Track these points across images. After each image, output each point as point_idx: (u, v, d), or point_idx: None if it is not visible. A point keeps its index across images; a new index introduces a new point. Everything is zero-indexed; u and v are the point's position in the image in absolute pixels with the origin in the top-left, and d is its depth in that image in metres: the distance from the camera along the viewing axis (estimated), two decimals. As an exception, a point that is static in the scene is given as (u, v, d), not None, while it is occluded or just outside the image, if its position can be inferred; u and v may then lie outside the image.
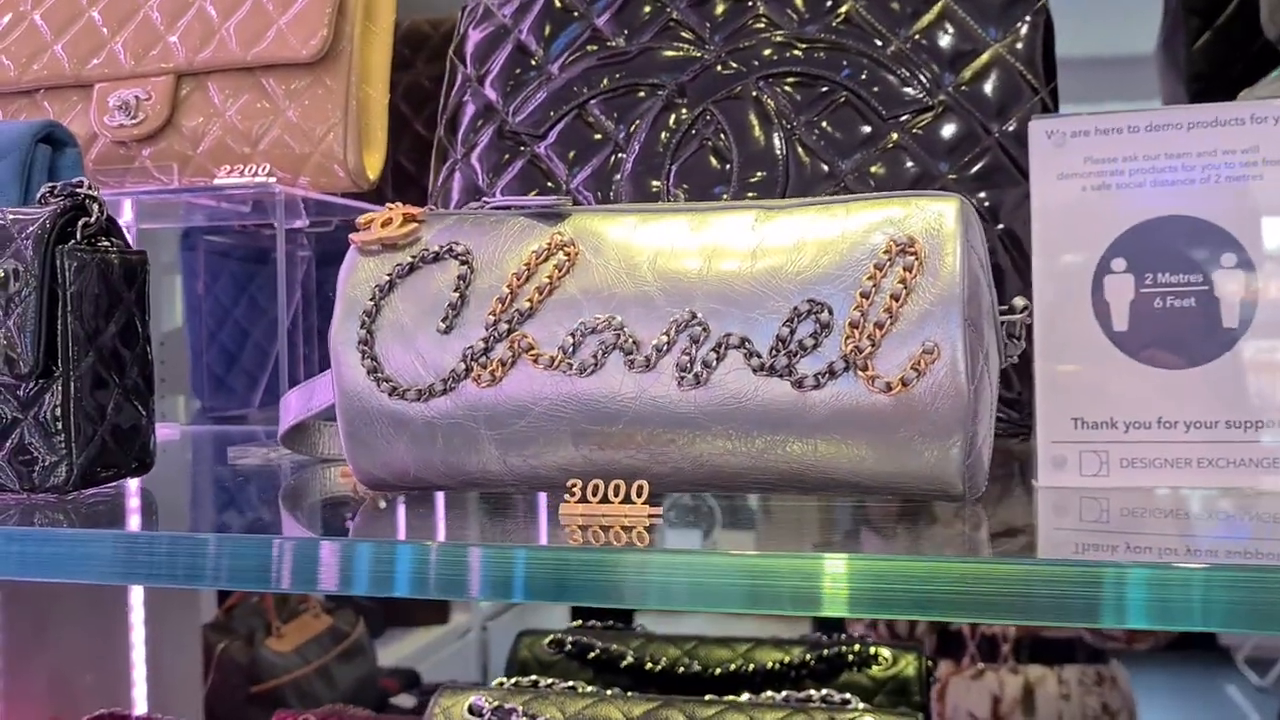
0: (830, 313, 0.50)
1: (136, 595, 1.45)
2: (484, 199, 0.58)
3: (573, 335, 0.52)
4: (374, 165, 0.82)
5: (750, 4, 0.72)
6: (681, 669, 1.00)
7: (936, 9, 0.69)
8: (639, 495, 0.51)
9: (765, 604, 0.45)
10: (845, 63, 0.69)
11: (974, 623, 1.65)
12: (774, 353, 0.50)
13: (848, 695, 0.87)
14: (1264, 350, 0.55)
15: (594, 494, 0.51)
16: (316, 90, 0.79)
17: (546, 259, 0.54)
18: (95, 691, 1.32)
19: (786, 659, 0.99)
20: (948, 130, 0.67)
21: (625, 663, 1.01)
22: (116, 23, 0.84)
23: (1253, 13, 0.92)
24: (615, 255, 0.53)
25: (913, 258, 0.50)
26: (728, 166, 0.68)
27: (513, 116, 0.74)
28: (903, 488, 0.51)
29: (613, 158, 0.71)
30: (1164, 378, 0.57)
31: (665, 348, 0.51)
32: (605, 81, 0.73)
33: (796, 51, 0.70)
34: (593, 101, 0.73)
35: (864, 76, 0.68)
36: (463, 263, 0.54)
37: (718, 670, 1.00)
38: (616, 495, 0.51)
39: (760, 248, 0.52)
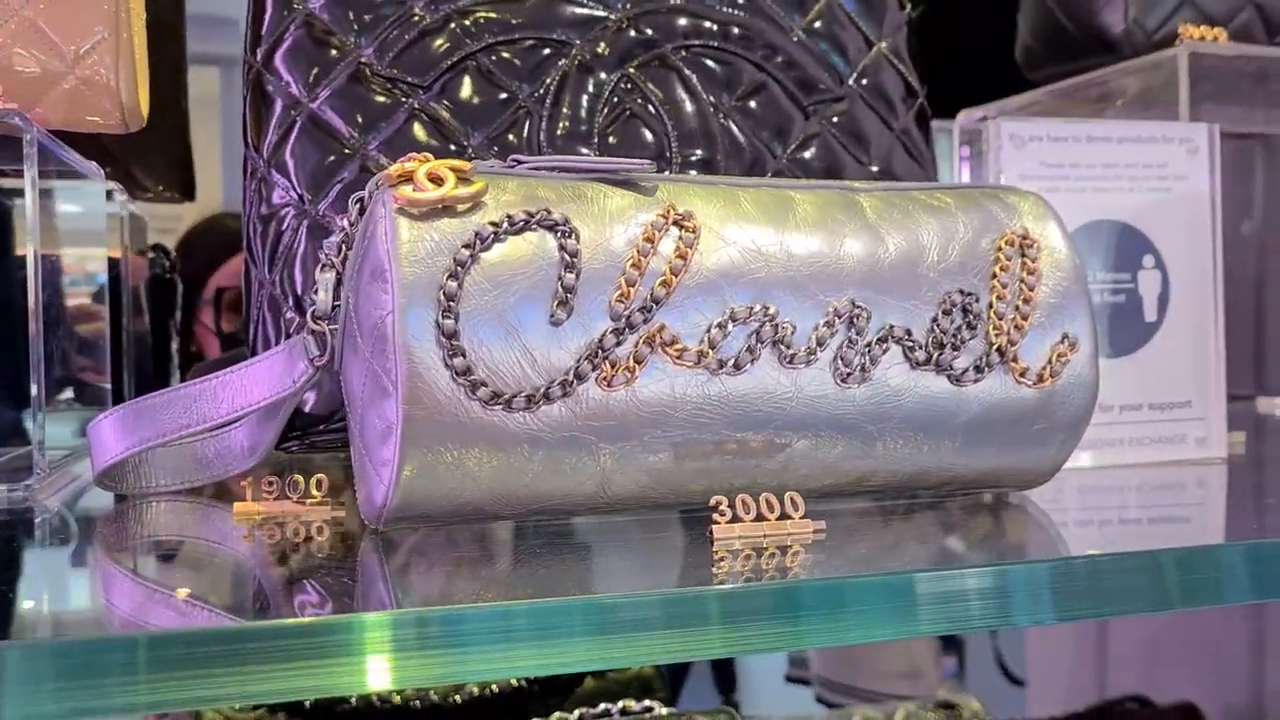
0: (978, 301, 0.48)
1: None
2: (512, 158, 0.47)
3: (721, 326, 0.44)
4: (145, 99, 0.61)
5: (645, -34, 0.66)
6: (418, 703, 0.89)
7: (823, 2, 0.69)
8: (795, 509, 0.45)
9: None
10: (759, 43, 0.66)
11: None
12: (936, 345, 0.46)
13: (649, 703, 0.83)
14: (1175, 342, 0.64)
15: (746, 511, 0.44)
16: (71, -12, 0.57)
17: (664, 234, 0.45)
18: None
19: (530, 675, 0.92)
20: (857, 123, 0.67)
21: (347, 707, 0.87)
22: None
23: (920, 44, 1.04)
24: (738, 232, 0.46)
25: (1033, 248, 0.49)
26: (661, 139, 0.62)
27: (377, 58, 0.60)
28: (1007, 482, 0.51)
29: (521, 120, 0.61)
30: (1101, 366, 0.62)
31: (826, 340, 0.45)
32: (493, 29, 0.62)
33: (712, 25, 0.65)
34: (482, 53, 0.61)
35: (779, 59, 0.66)
36: (565, 234, 0.43)
37: (458, 698, 0.90)
38: (772, 511, 0.44)
39: (889, 233, 0.48)
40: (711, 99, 0.64)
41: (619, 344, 0.43)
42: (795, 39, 0.67)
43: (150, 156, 0.93)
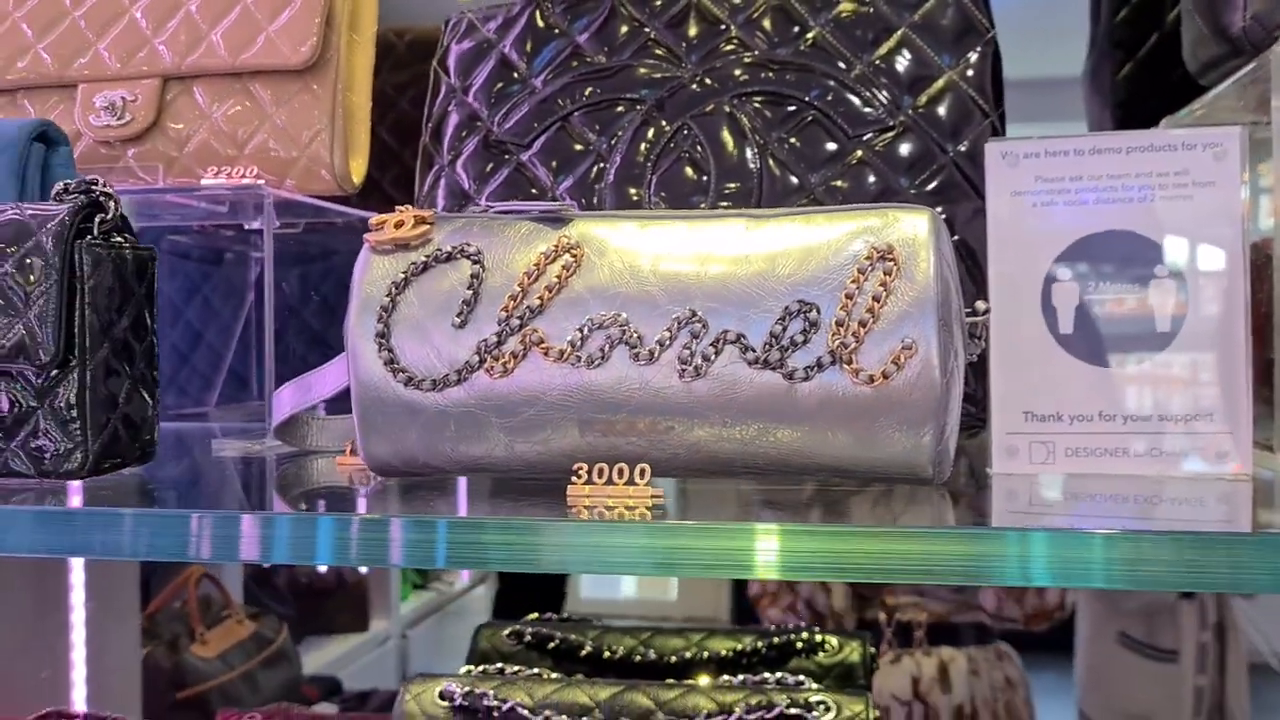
0: (818, 312, 0.55)
1: (77, 595, 1.45)
2: (486, 204, 0.62)
3: (581, 330, 0.56)
4: (358, 169, 0.85)
5: (723, 27, 0.77)
6: (638, 657, 1.04)
7: (896, 37, 0.75)
8: (641, 477, 0.56)
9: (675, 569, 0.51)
10: (813, 84, 0.74)
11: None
12: (767, 348, 0.55)
13: (801, 677, 0.92)
14: (1191, 354, 0.62)
15: (599, 476, 0.56)
16: (304, 96, 0.82)
17: (554, 260, 0.58)
18: (34, 691, 1.31)
19: (739, 646, 1.04)
20: (907, 149, 0.73)
21: (584, 652, 1.05)
22: (100, 25, 0.86)
23: (1171, 48, 1.01)
24: (618, 258, 0.58)
25: (891, 263, 0.55)
26: (704, 178, 0.73)
27: (498, 127, 0.78)
28: (878, 472, 0.56)
29: (595, 167, 0.76)
30: (1105, 375, 0.63)
31: (667, 342, 0.56)
32: (588, 95, 0.77)
33: (768, 72, 0.75)
34: (576, 114, 0.77)
35: (830, 97, 0.74)
36: (475, 262, 0.58)
37: (673, 658, 1.04)
38: (621, 478, 0.56)
39: (752, 253, 0.56)
40: (759, 138, 0.74)
41: (500, 343, 0.57)
42: (856, 73, 0.74)
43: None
